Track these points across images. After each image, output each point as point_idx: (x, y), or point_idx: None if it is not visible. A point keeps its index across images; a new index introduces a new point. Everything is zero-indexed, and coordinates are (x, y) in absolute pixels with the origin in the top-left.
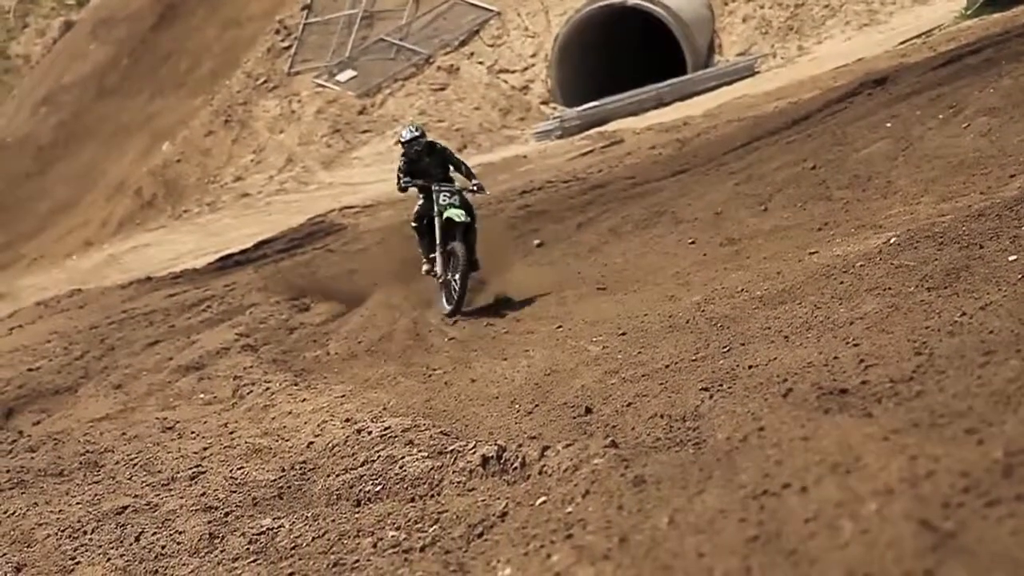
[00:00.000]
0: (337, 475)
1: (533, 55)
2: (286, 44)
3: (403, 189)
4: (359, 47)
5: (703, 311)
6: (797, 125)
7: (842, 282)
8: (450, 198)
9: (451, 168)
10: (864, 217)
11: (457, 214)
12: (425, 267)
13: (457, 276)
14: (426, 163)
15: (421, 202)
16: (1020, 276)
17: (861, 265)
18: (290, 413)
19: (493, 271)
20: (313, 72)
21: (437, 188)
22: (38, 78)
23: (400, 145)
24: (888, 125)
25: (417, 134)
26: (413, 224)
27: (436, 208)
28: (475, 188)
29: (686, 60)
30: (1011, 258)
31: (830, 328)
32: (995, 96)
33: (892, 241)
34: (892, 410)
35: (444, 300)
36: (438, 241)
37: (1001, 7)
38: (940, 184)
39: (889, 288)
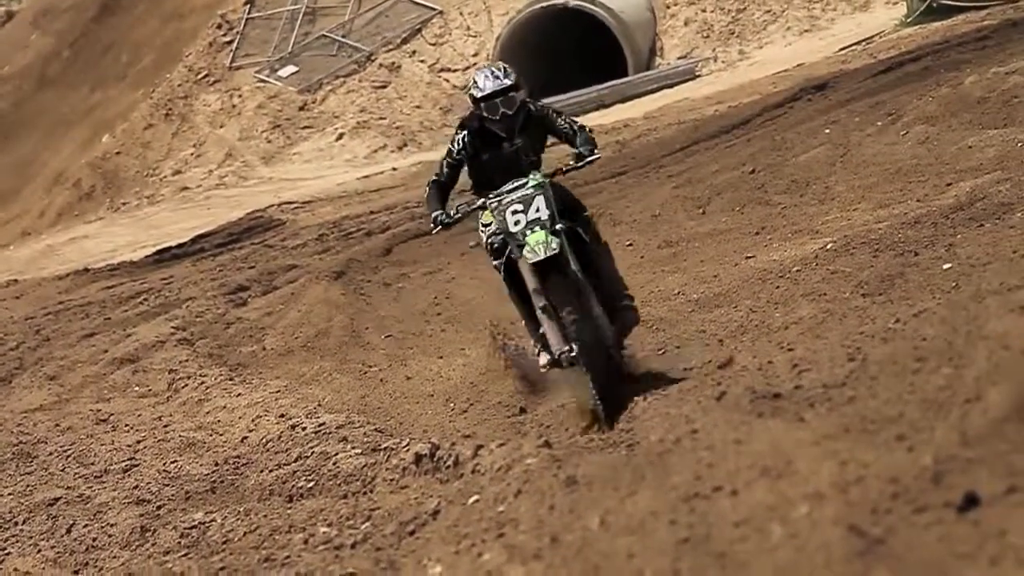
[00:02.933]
0: (270, 470)
1: (475, 54)
2: (228, 38)
3: (442, 224)
4: (301, 43)
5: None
6: (737, 129)
7: (778, 287)
8: (524, 210)
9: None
10: (801, 222)
11: (538, 241)
12: (539, 360)
13: (584, 353)
14: (513, 149)
15: (487, 222)
16: (954, 284)
17: (797, 270)
18: (225, 408)
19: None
20: (254, 67)
21: (498, 203)
22: None
23: (474, 106)
24: (827, 131)
25: (507, 83)
26: (493, 262)
27: (512, 241)
28: (576, 161)
29: (627, 62)
30: (945, 266)
31: (765, 332)
32: (933, 104)
33: (828, 247)
34: (824, 415)
35: (589, 395)
36: (534, 295)
37: (941, 16)
38: (877, 191)
39: (824, 294)
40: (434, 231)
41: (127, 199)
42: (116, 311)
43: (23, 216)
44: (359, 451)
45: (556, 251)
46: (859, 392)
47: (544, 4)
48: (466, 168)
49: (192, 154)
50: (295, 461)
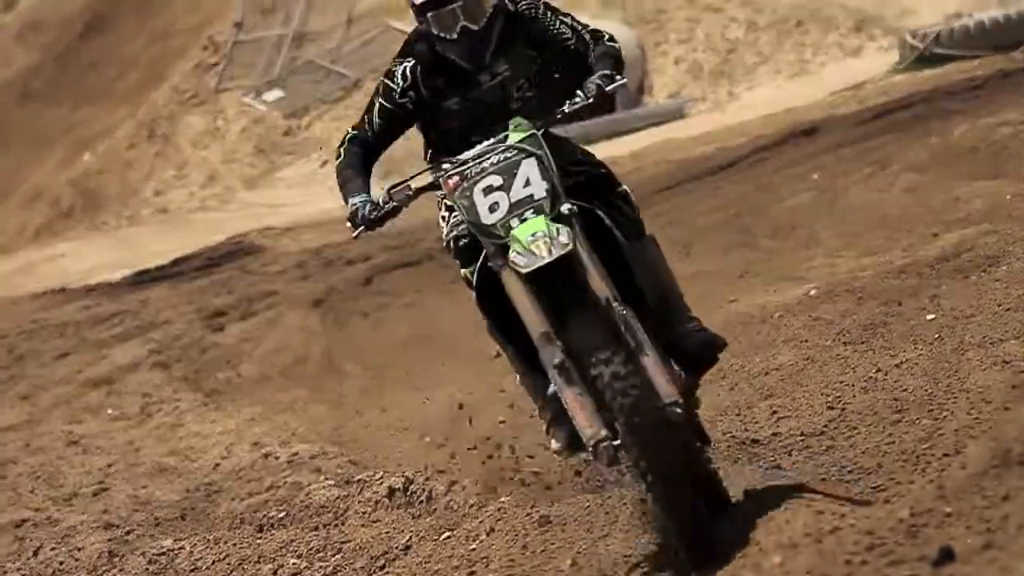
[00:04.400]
0: (242, 499)
1: None
2: (214, 60)
3: (366, 222)
4: (288, 67)
5: None
6: (724, 171)
7: (759, 332)
8: (505, 185)
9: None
10: (786, 267)
11: (535, 233)
12: (552, 442)
13: (639, 440)
14: (496, 83)
15: (449, 205)
16: (937, 336)
17: (780, 316)
18: (198, 434)
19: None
20: (240, 90)
21: (459, 177)
22: None
23: (416, 17)
24: (814, 176)
25: None
26: (462, 270)
27: (487, 240)
28: (584, 94)
29: (614, 99)
30: (928, 317)
31: (745, 377)
32: (922, 153)
33: (812, 293)
34: (801, 463)
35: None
36: (537, 338)
37: (932, 64)
38: (863, 238)
39: (806, 340)
40: (353, 234)
41: (107, 219)
42: (91, 332)
43: (1, 232)
44: (332, 482)
45: (568, 247)
46: (837, 441)
47: None
48: (417, 125)
49: (174, 176)
50: (267, 490)
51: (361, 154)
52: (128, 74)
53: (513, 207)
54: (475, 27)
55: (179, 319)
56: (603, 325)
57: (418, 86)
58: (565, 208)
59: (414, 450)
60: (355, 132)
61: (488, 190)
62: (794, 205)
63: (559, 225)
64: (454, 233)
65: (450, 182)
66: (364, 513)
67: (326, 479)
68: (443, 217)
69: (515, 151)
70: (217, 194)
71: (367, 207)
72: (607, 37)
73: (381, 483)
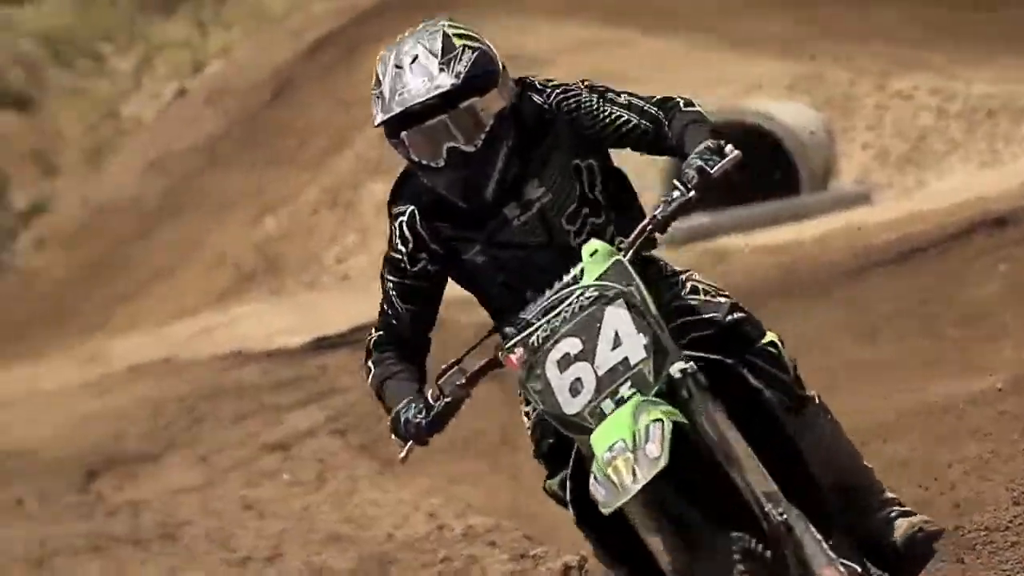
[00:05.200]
0: (415, 570)
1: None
2: None
3: (416, 431)
4: None
5: None
6: (909, 258)
7: (943, 423)
8: (586, 353)
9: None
10: (972, 358)
11: (617, 444)
12: None
13: None
14: (535, 213)
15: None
16: None
17: (964, 407)
18: (373, 502)
19: None
20: None
21: (524, 350)
22: (148, 142)
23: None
24: (1002, 267)
25: (444, 82)
26: (547, 481)
27: (573, 434)
28: (684, 187)
29: (801, 181)
30: None
31: (927, 468)
32: None
33: (999, 386)
34: (985, 559)
35: None
36: (641, 522)
37: None
38: None
39: (991, 434)
40: (402, 454)
41: (288, 284)
42: (269, 396)
43: (183, 294)
44: (507, 557)
45: (660, 463)
46: (1022, 538)
47: (720, 120)
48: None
49: (356, 243)
50: (441, 562)
51: (396, 356)
52: (313, 140)
53: (602, 382)
54: (469, 148)
55: (356, 386)
56: (737, 508)
57: (425, 243)
58: (677, 370)
59: None
60: (380, 332)
61: (564, 362)
62: (982, 295)
63: (651, 420)
64: (537, 431)
65: (512, 358)
66: None
67: (501, 553)
68: (526, 414)
69: (594, 295)
70: None
71: (412, 410)
72: (682, 103)
73: (557, 560)
